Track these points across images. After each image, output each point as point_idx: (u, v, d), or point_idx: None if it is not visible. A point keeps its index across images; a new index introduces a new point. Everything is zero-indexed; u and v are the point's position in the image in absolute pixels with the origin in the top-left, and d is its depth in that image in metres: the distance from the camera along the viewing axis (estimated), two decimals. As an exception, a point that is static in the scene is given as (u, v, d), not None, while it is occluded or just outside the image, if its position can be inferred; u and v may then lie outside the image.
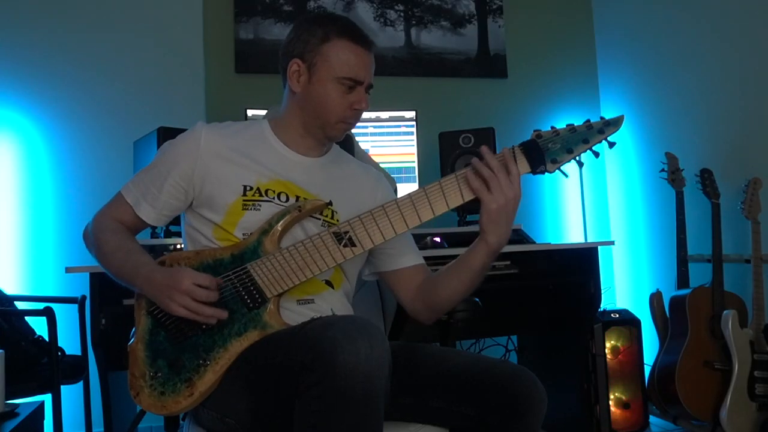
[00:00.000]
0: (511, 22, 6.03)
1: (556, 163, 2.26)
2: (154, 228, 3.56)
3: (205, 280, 2.19)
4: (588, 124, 2.29)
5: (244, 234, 2.34)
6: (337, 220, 2.44)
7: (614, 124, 2.29)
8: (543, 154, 2.26)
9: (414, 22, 5.74)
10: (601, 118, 2.31)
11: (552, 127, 2.29)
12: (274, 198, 2.39)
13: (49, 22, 4.92)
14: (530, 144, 2.27)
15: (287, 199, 2.40)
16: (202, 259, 2.32)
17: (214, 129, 2.46)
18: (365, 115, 4.90)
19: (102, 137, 4.92)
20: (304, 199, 2.41)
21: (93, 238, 2.44)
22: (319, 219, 2.43)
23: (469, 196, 2.26)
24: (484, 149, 2.25)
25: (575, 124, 2.29)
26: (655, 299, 4.87)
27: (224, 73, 5.35)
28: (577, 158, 2.29)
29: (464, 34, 5.85)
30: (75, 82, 4.93)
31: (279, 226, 2.30)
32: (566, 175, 2.32)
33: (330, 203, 2.44)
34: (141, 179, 2.47)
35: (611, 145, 2.31)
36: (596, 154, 2.31)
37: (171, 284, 2.18)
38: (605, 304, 4.73)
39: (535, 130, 2.29)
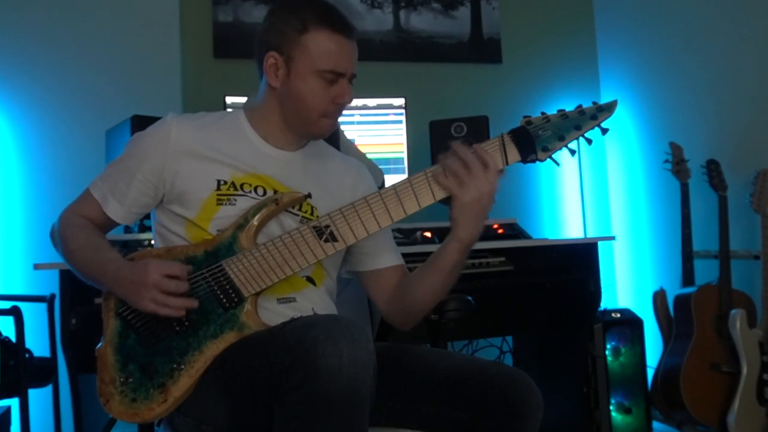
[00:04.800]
0: (506, 3, 6.01)
1: (548, 151, 2.28)
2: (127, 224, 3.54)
3: (173, 269, 2.19)
4: (580, 110, 2.30)
5: (218, 230, 2.33)
6: (317, 217, 2.42)
7: (607, 109, 2.30)
8: (533, 141, 2.27)
9: (403, 4, 5.72)
10: (594, 103, 2.32)
11: (542, 113, 2.30)
12: (250, 191, 2.38)
13: (15, 5, 4.89)
14: (520, 131, 2.28)
15: (265, 193, 2.39)
16: (174, 257, 2.31)
17: (185, 122, 2.44)
18: (351, 103, 4.93)
19: (72, 126, 4.88)
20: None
21: (59, 234, 2.44)
22: (298, 215, 2.42)
23: None
24: (455, 144, 2.25)
25: (566, 110, 2.30)
26: (659, 298, 4.88)
27: (202, 58, 5.33)
28: (570, 145, 2.29)
29: (456, 17, 5.84)
30: (44, 67, 4.89)
31: (255, 221, 2.29)
32: (558, 164, 2.33)
33: (309, 195, 2.41)
34: (109, 174, 2.46)
35: (604, 131, 2.32)
36: (589, 141, 2.32)
37: (138, 280, 2.18)
38: (606, 303, 4.73)
39: (524, 117, 2.30)
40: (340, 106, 2.44)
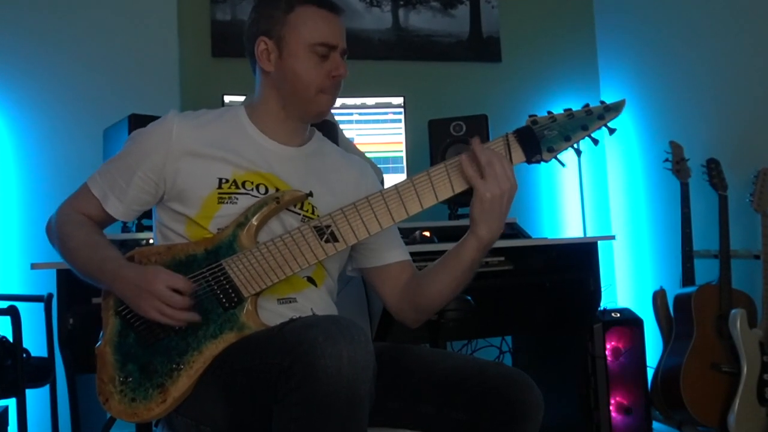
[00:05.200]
0: (505, 2, 6.01)
1: (553, 152, 2.26)
2: (125, 222, 3.53)
3: (179, 283, 2.18)
4: (587, 109, 2.28)
5: (219, 229, 2.32)
6: (317, 215, 2.41)
7: (615, 109, 2.29)
8: (538, 141, 2.25)
9: (402, 2, 5.71)
10: (601, 102, 2.30)
11: (548, 112, 2.29)
12: (252, 189, 2.37)
13: (11, 3, 4.88)
14: (525, 131, 2.26)
15: (266, 191, 2.38)
16: (174, 255, 2.31)
17: (186, 119, 2.44)
18: (350, 101, 4.93)
19: (70, 125, 4.88)
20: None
21: (57, 232, 2.43)
22: (299, 213, 2.41)
23: (459, 188, 2.25)
24: (477, 139, 2.23)
25: (573, 109, 2.28)
26: (659, 297, 4.87)
27: (200, 56, 5.33)
28: (575, 146, 2.28)
29: (455, 16, 5.84)
30: (41, 66, 4.89)
31: (255, 220, 2.29)
32: (563, 165, 2.32)
33: (310, 194, 2.42)
34: (108, 170, 2.45)
35: (611, 131, 2.31)
36: (595, 142, 2.30)
37: (143, 285, 2.17)
38: (605, 303, 4.73)
39: (530, 116, 2.28)
40: (336, 80, 2.45)
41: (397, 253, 2.59)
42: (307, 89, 2.42)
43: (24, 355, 3.85)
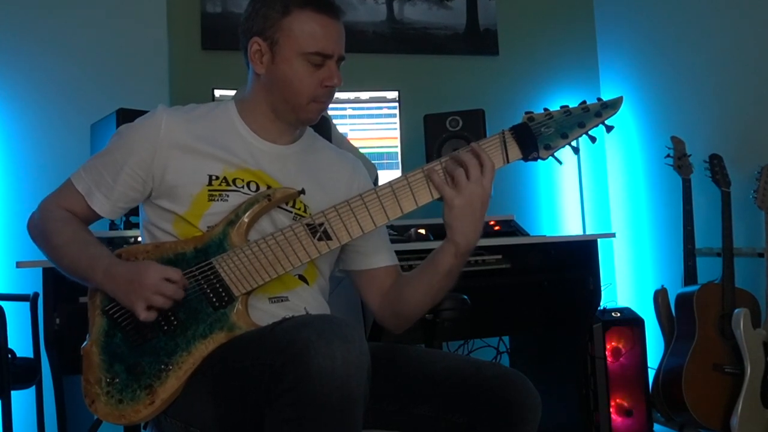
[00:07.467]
0: (503, -6, 6.02)
1: (550, 150, 2.27)
2: (112, 219, 3.52)
3: (173, 274, 2.18)
4: (584, 106, 2.28)
5: (209, 227, 2.32)
6: (309, 213, 2.41)
7: (612, 106, 2.29)
8: (536, 139, 2.25)
9: (397, -6, 5.72)
10: (598, 99, 2.31)
11: (545, 109, 2.29)
12: (243, 187, 2.37)
13: (-5, -4, 4.88)
14: (521, 128, 2.27)
15: (258, 189, 2.38)
16: (162, 253, 2.30)
17: (175, 114, 2.43)
18: (343, 96, 4.92)
19: (56, 120, 4.86)
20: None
21: (42, 228, 2.42)
22: (291, 212, 2.41)
23: None
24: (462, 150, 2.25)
25: (570, 106, 2.28)
26: (660, 297, 4.87)
27: (190, 50, 5.32)
28: (573, 143, 2.28)
29: (451, 8, 5.83)
30: (26, 59, 4.87)
31: (246, 217, 2.28)
32: (560, 162, 2.32)
33: (302, 191, 2.40)
34: (94, 166, 2.43)
35: (609, 129, 2.31)
36: (593, 139, 2.31)
37: (135, 279, 2.16)
38: (605, 302, 4.74)
39: (526, 112, 2.28)
40: (329, 89, 2.43)
41: (385, 257, 2.59)
42: (298, 97, 2.40)
43: (9, 356, 3.84)
